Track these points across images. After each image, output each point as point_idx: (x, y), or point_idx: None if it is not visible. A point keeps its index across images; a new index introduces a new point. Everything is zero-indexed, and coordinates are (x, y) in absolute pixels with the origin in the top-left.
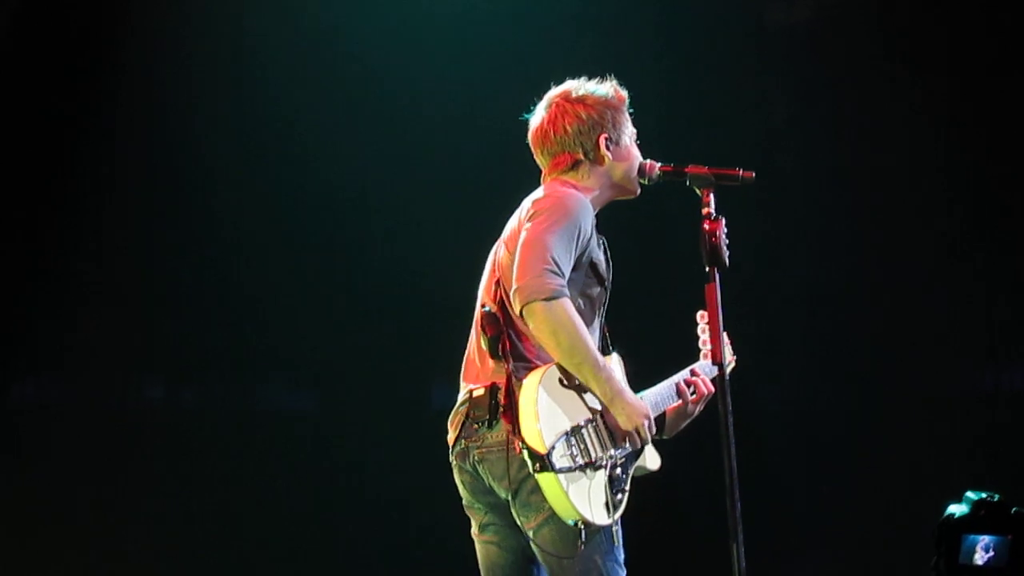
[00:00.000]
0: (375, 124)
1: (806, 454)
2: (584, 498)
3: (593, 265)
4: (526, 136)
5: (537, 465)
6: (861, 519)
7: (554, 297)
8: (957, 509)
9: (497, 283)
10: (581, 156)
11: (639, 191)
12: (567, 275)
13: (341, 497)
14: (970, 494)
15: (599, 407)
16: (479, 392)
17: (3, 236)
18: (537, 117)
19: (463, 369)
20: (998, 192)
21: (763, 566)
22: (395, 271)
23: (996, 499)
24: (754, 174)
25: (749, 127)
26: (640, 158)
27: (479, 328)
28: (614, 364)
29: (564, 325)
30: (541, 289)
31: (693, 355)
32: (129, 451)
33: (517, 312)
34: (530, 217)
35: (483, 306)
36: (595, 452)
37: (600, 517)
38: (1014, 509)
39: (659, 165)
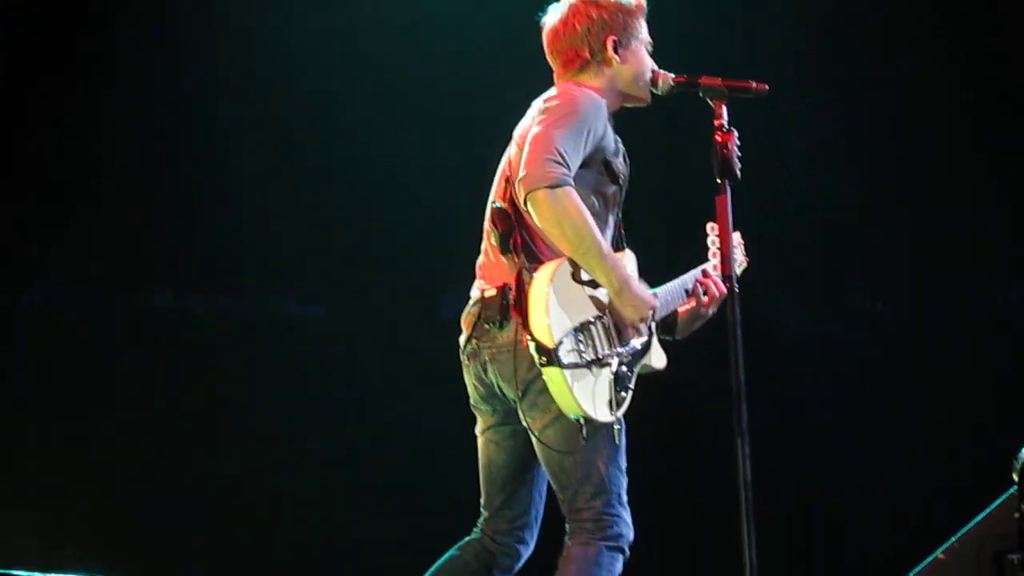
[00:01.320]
0: (380, 33)
1: (823, 367)
2: (588, 394)
3: (607, 163)
4: (537, 40)
5: (544, 359)
6: (877, 433)
7: (558, 185)
8: None
9: (507, 180)
10: (588, 55)
11: (650, 99)
12: (574, 168)
13: (350, 409)
14: None
15: (607, 301)
16: (491, 293)
17: (9, 145)
18: (551, 16)
19: (477, 269)
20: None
21: (769, 479)
22: (403, 182)
23: None
24: (767, 87)
25: (768, 43)
26: (652, 66)
27: (490, 224)
28: (626, 260)
29: (568, 213)
30: (544, 177)
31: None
32: (137, 360)
33: (522, 202)
34: (540, 113)
35: (493, 203)
36: (602, 349)
37: (603, 414)
38: None
39: (672, 76)
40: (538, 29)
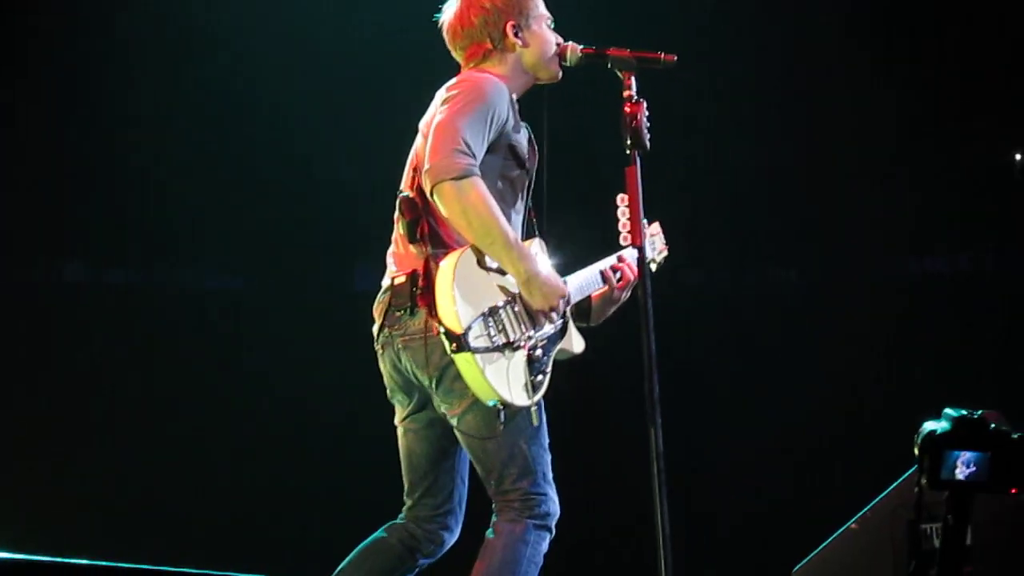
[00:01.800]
0: (296, 4)
1: (731, 340)
2: (503, 378)
3: (512, 148)
4: (441, 34)
5: (454, 345)
6: (784, 409)
7: (463, 176)
8: (937, 426)
9: (415, 170)
10: (490, 45)
11: (560, 74)
12: (479, 156)
13: (266, 380)
14: (949, 411)
15: (515, 289)
16: (400, 280)
17: None
18: (446, 14)
19: (388, 256)
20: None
21: (682, 450)
22: (317, 156)
23: (977, 416)
24: (676, 57)
25: (678, 14)
26: (556, 41)
27: (399, 213)
28: (535, 248)
29: (474, 204)
30: (450, 168)
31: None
32: (50, 334)
33: (429, 193)
34: (443, 102)
35: (401, 192)
36: (513, 332)
37: (519, 398)
38: (992, 425)
39: (580, 47)
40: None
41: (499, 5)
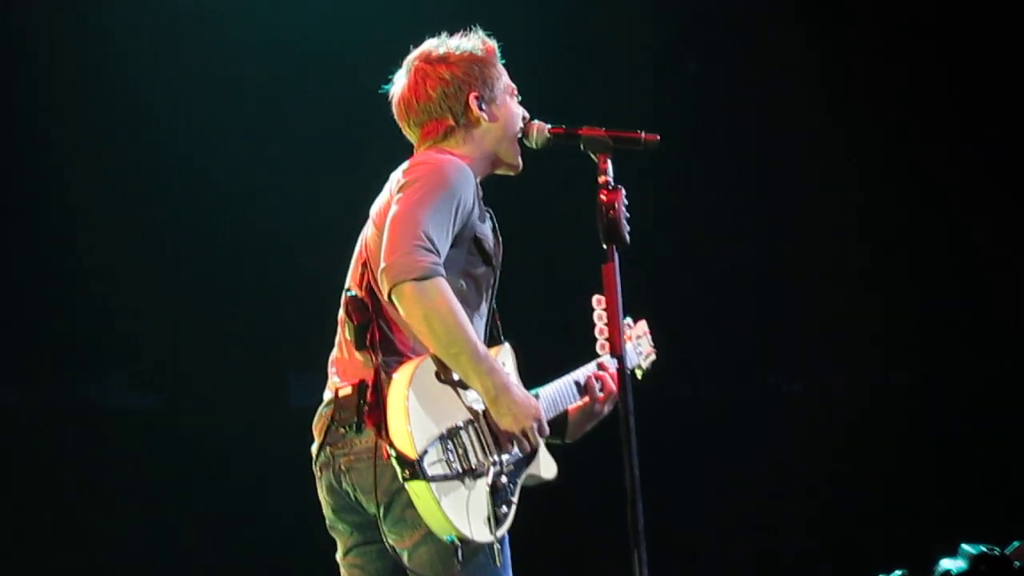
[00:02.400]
0: (227, 99)
1: (717, 457)
2: (462, 511)
3: (477, 241)
4: (390, 110)
5: (407, 472)
6: (780, 537)
7: (426, 276)
8: (954, 565)
9: (364, 265)
10: (452, 122)
11: (520, 163)
12: (444, 252)
13: (188, 504)
14: (967, 547)
15: (482, 406)
16: (345, 391)
17: None
18: (397, 86)
19: (329, 364)
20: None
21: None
22: (246, 252)
23: (996, 553)
24: (658, 137)
25: (653, 87)
26: (522, 113)
27: (345, 315)
28: (504, 356)
29: (438, 309)
30: (411, 268)
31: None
32: None
33: (385, 295)
34: (400, 188)
35: (348, 291)
36: (475, 458)
37: (480, 533)
38: (1017, 564)
39: (548, 126)
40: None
41: (459, 75)
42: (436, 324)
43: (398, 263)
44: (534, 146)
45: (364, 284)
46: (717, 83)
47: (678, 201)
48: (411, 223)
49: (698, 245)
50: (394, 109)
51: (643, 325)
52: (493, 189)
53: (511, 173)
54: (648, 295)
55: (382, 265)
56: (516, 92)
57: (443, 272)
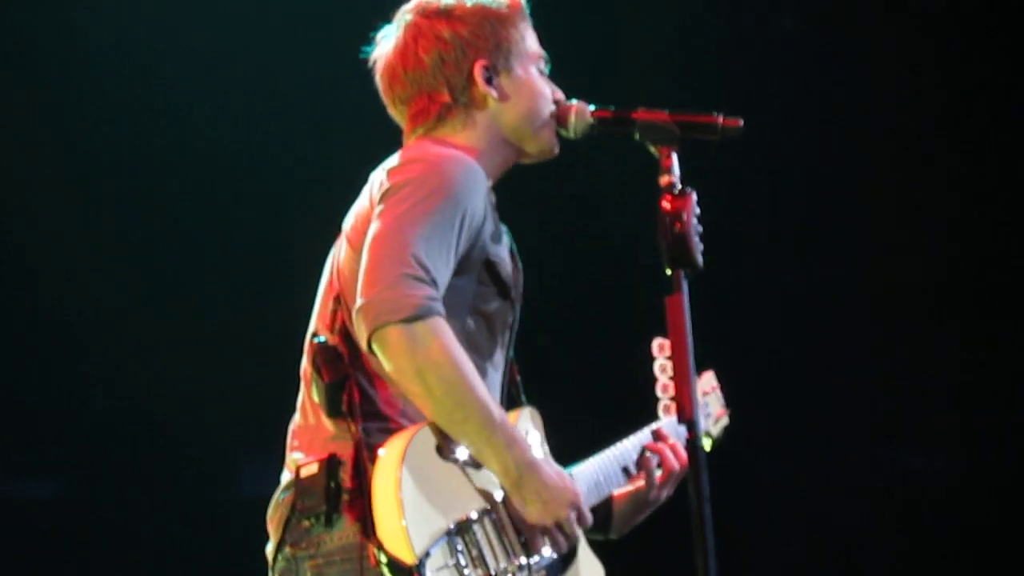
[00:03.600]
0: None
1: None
2: None
3: (490, 266)
4: (372, 80)
5: None
6: None
7: (418, 317)
8: None
9: (337, 300)
10: (449, 98)
11: (557, 148)
12: (443, 284)
13: None
14: None
15: (501, 492)
16: (310, 470)
17: None
18: (383, 49)
19: (289, 435)
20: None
21: None
22: (179, 288)
23: None
24: (741, 122)
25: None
26: (554, 97)
27: (311, 368)
28: (526, 422)
29: (435, 360)
30: (398, 305)
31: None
32: None
33: (364, 343)
34: (384, 196)
35: (315, 336)
36: (494, 561)
37: None
38: None
39: (591, 109)
40: (367, 73)
41: (464, 35)
42: (434, 381)
43: (380, 299)
44: (572, 135)
45: (337, 326)
46: (813, 44)
47: (759, 205)
48: (398, 244)
49: (785, 264)
50: (377, 80)
51: (710, 378)
52: (504, 186)
53: (540, 160)
54: (717, 334)
55: (359, 302)
56: (546, 63)
57: (442, 310)
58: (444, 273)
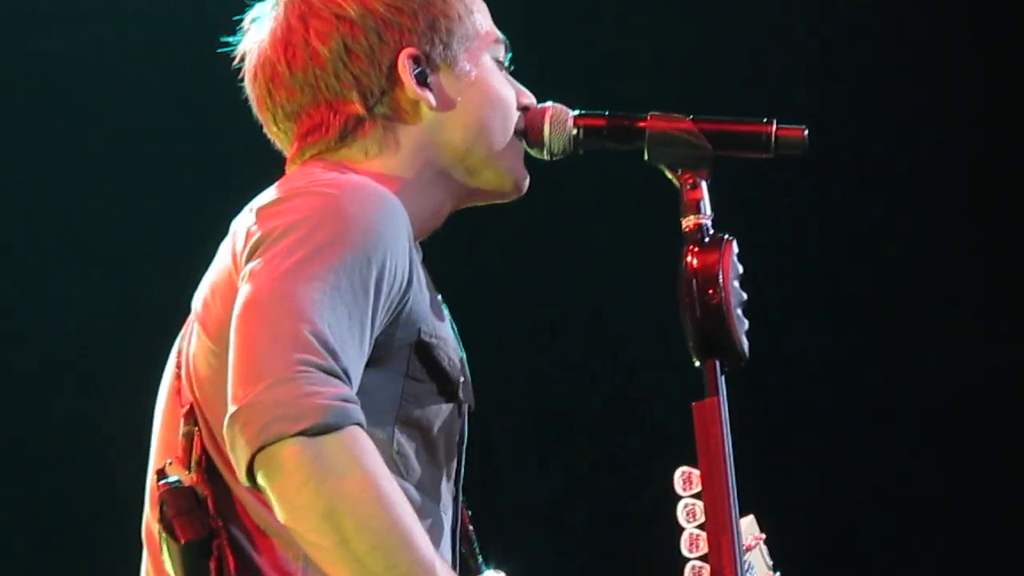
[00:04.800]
0: None
1: None
2: None
3: (423, 349)
4: (239, 87)
5: None
6: None
7: (328, 427)
8: None
9: (191, 417)
10: (359, 107)
11: (525, 181)
12: (357, 376)
13: None
14: None
15: None
16: None
17: None
18: (257, 35)
19: None
20: None
21: None
22: None
23: None
24: (805, 132)
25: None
26: (520, 100)
27: (157, 526)
28: None
29: (355, 495)
30: (295, 409)
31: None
32: None
33: (242, 473)
34: (255, 249)
35: (161, 474)
36: None
37: None
38: None
39: (573, 115)
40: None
41: (380, 10)
42: (351, 528)
43: (268, 401)
44: (546, 156)
45: (195, 457)
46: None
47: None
48: (287, 316)
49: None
50: (248, 84)
51: (751, 525)
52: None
53: (500, 201)
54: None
55: (231, 408)
56: (507, 51)
57: (361, 417)
58: (358, 362)
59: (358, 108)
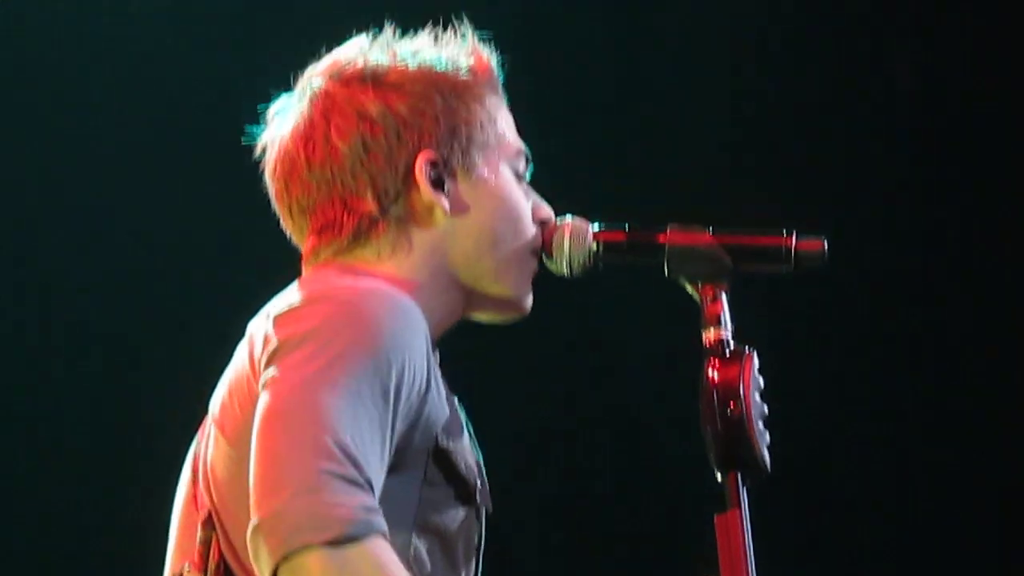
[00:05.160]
0: None
1: None
2: None
3: (441, 456)
4: (261, 182)
5: None
6: None
7: (353, 537)
8: None
9: (209, 524)
10: (373, 207)
11: (528, 302)
12: (379, 485)
13: None
14: None
15: None
16: None
17: None
18: (280, 128)
19: None
20: None
21: None
22: None
23: None
24: (823, 244)
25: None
26: (538, 213)
27: None
28: None
29: None
30: (321, 520)
31: None
32: None
33: None
34: (274, 356)
35: None
36: None
37: None
38: None
39: (593, 230)
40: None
41: (402, 111)
42: None
43: (293, 511)
44: (566, 271)
45: (211, 566)
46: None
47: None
48: (310, 425)
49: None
50: (268, 176)
51: None
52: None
53: (500, 318)
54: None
55: (255, 519)
56: (528, 162)
57: (384, 527)
58: (379, 470)
59: (372, 207)
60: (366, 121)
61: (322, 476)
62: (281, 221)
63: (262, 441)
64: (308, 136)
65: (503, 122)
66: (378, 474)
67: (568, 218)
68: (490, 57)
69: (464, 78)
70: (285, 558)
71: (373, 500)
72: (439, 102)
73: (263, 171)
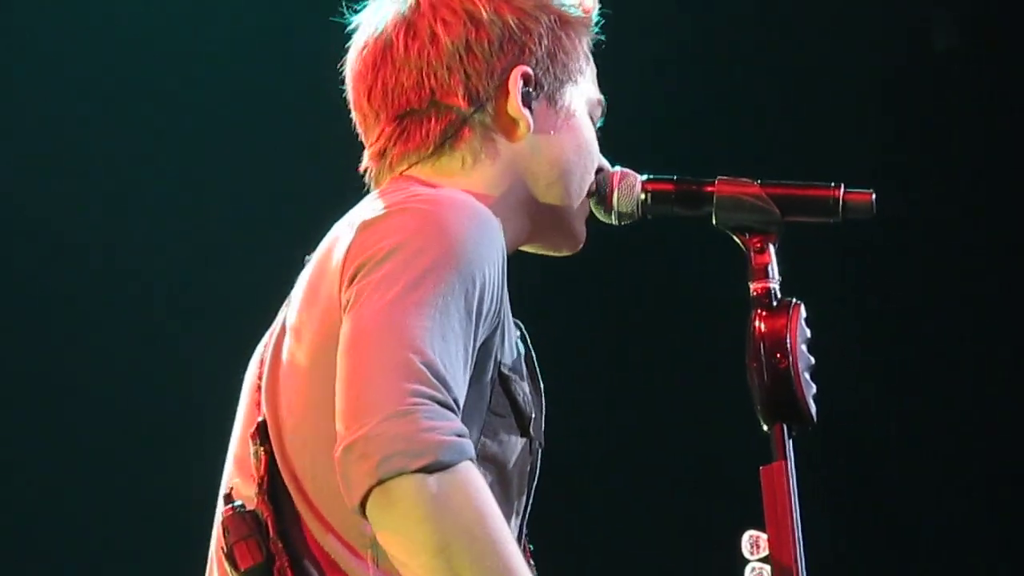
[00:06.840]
0: None
1: None
2: None
3: (504, 381)
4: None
5: None
6: None
7: (446, 464)
8: None
9: (261, 435)
10: (463, 104)
11: (582, 240)
12: (462, 401)
13: None
14: None
15: None
16: None
17: None
18: (376, 17)
19: None
20: None
21: None
22: None
23: None
24: (872, 196)
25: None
26: (597, 157)
27: (219, 555)
28: None
29: (470, 532)
30: (414, 445)
31: None
32: None
33: (354, 505)
34: (360, 272)
35: (227, 498)
36: None
37: None
38: None
39: (642, 179)
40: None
41: (511, 21)
42: (467, 567)
43: (385, 435)
44: (614, 219)
45: (259, 476)
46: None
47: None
48: (399, 346)
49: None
50: (353, 54)
51: None
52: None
53: (553, 251)
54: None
55: (346, 439)
56: (603, 113)
57: (473, 452)
58: (464, 391)
59: (461, 104)
60: (474, 22)
61: (414, 399)
62: (351, 104)
63: (351, 361)
64: (411, 24)
65: (591, 71)
66: (463, 395)
67: (618, 168)
68: (594, 5)
69: (574, 13)
70: (379, 483)
71: (462, 424)
72: (546, 25)
73: (348, 67)
